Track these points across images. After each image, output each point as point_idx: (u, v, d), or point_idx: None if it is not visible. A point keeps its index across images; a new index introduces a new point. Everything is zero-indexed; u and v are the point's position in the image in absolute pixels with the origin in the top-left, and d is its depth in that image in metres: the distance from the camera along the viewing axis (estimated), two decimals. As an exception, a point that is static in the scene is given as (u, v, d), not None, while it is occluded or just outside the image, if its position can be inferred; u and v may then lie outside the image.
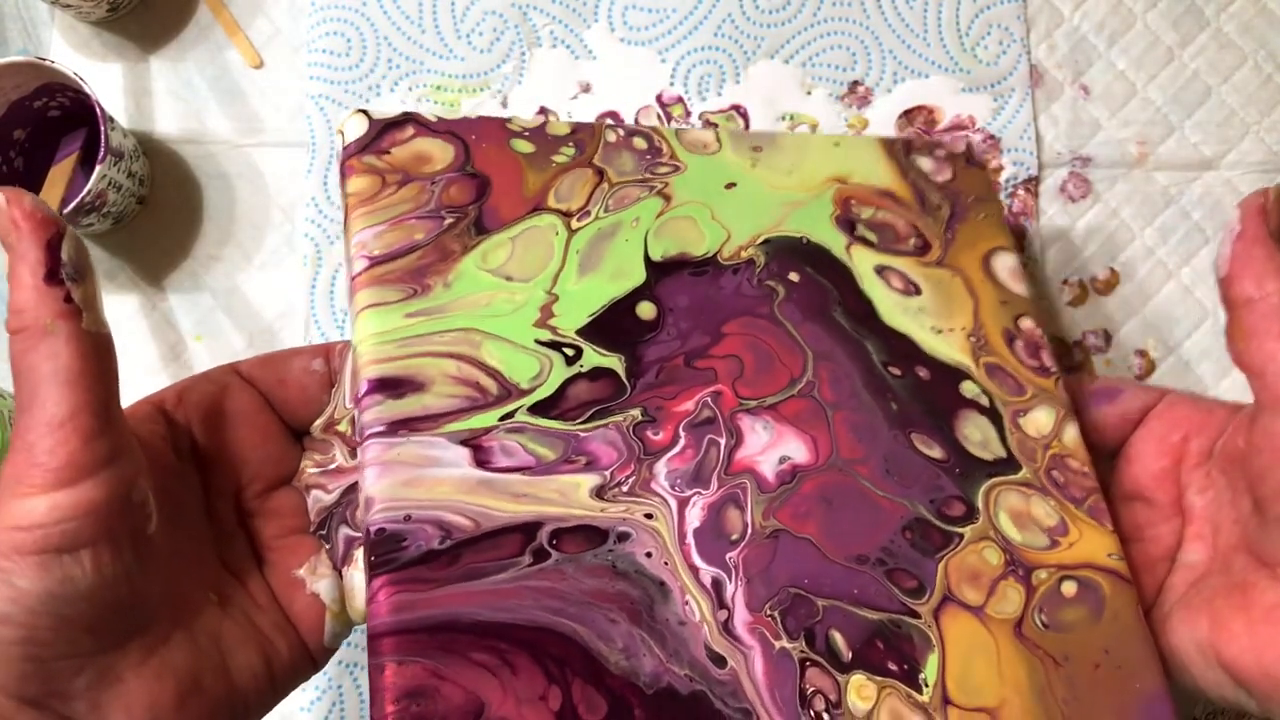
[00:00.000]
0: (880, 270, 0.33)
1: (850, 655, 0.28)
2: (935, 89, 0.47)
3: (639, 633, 0.26)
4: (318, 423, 0.30)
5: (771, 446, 0.30)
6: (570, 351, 0.29)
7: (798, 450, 0.30)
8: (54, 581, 0.22)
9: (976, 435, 0.31)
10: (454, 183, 0.29)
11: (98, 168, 0.42)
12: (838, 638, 0.28)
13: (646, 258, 0.31)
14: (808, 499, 0.29)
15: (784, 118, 0.47)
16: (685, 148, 0.33)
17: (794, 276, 0.32)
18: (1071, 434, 0.32)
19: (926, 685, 0.28)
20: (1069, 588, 0.30)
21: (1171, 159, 0.46)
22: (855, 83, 0.47)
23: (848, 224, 0.33)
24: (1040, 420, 0.32)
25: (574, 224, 0.30)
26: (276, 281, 0.48)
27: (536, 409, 0.28)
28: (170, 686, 0.24)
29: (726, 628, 0.27)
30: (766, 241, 0.32)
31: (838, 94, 0.47)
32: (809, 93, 0.47)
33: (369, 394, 0.27)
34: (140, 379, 0.45)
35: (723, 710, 0.26)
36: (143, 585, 0.24)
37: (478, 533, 0.26)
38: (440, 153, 0.29)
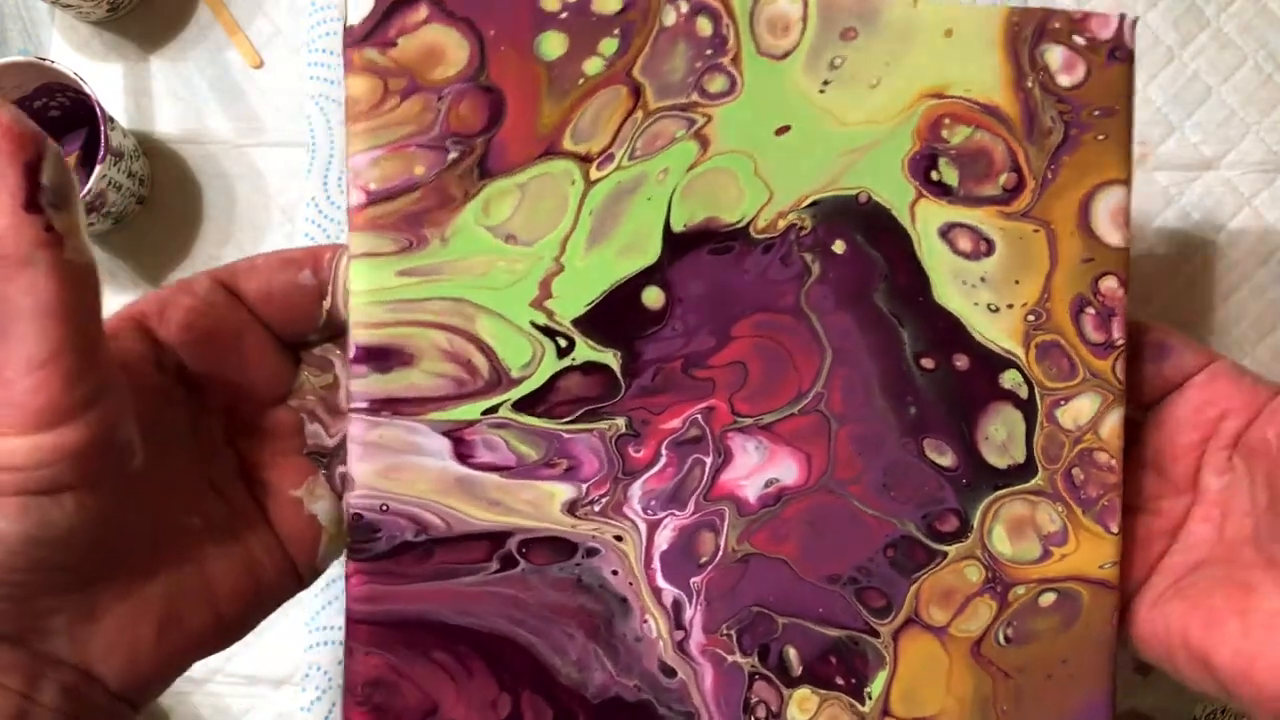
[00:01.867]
0: (947, 230, 0.28)
1: (800, 670, 0.29)
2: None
3: (594, 647, 0.28)
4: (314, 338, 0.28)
5: (759, 470, 0.28)
6: (564, 342, 0.27)
7: (788, 472, 0.28)
8: (32, 524, 0.21)
9: (1001, 434, 0.29)
10: (463, 98, 0.26)
11: (98, 168, 0.42)
12: (791, 653, 0.29)
13: (667, 227, 0.27)
14: (789, 522, 0.29)
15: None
16: (755, 44, 0.27)
17: (838, 247, 0.28)
18: (1110, 424, 0.29)
19: (870, 698, 0.29)
20: (1047, 599, 0.29)
21: (1171, 159, 0.46)
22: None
23: (925, 162, 0.28)
24: (1081, 409, 0.29)
25: (593, 173, 0.27)
26: (276, 281, 0.48)
27: (522, 404, 0.27)
28: (150, 620, 0.24)
29: (681, 647, 0.28)
30: (815, 203, 0.28)
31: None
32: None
33: (357, 362, 0.26)
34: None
35: (667, 715, 0.28)
36: (123, 523, 0.23)
37: (450, 534, 0.27)
38: (454, 50, 0.26)
